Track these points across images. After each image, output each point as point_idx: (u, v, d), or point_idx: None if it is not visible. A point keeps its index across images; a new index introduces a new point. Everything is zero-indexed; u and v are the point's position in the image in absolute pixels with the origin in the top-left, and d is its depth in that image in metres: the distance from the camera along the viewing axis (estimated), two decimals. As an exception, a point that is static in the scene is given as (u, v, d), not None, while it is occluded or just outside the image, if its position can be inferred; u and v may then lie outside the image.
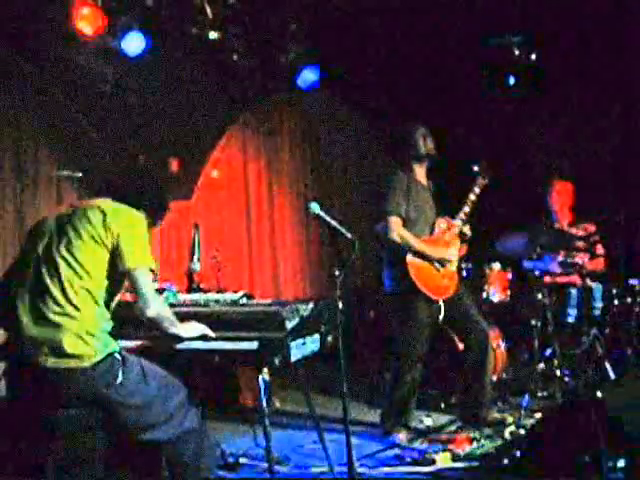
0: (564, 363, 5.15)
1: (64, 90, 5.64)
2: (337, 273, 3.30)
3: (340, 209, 8.04)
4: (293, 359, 3.14)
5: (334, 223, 3.39)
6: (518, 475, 3.64)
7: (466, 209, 4.77)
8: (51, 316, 2.78)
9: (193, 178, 6.80)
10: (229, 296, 3.61)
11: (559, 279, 5.70)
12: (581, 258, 5.67)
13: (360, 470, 3.90)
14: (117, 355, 2.86)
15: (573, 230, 5.77)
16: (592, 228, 5.72)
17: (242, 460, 4.18)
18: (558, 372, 5.08)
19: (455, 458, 4.06)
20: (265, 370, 3.09)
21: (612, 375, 5.35)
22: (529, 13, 6.66)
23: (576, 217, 5.88)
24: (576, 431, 3.38)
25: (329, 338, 3.50)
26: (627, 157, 7.02)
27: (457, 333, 4.98)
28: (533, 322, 5.36)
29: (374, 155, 8.61)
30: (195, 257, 4.28)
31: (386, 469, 4.03)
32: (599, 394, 4.38)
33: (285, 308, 3.22)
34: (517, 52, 6.90)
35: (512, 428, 4.41)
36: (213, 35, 6.09)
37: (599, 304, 5.59)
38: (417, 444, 4.48)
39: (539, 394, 5.23)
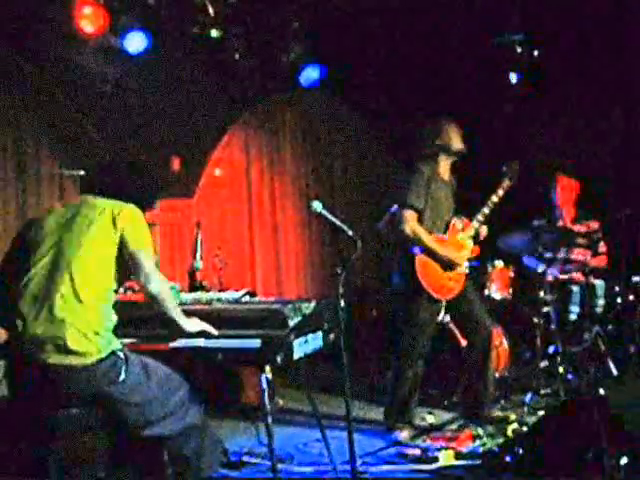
0: (566, 361, 5.15)
1: (64, 90, 5.64)
2: (339, 271, 3.30)
3: (341, 208, 8.05)
4: (296, 357, 3.14)
5: (336, 221, 3.39)
6: (520, 473, 3.64)
7: (486, 210, 4.73)
8: (58, 314, 2.78)
9: (195, 177, 6.80)
10: (231, 294, 3.62)
11: (562, 276, 5.70)
12: (582, 255, 5.68)
13: (362, 468, 3.91)
14: (120, 353, 2.87)
15: (576, 227, 5.76)
16: (595, 225, 5.72)
17: (245, 458, 4.18)
18: (560, 370, 5.08)
19: (457, 456, 4.06)
20: (267, 368, 3.09)
21: (615, 372, 5.36)
22: (529, 13, 6.66)
23: (580, 214, 5.88)
24: (578, 429, 3.38)
25: (331, 336, 3.50)
26: (629, 157, 7.02)
27: (461, 330, 4.97)
28: (535, 320, 5.36)
29: (374, 155, 8.61)
30: (197, 255, 4.29)
31: (388, 467, 4.04)
32: (602, 391, 4.40)
33: (287, 306, 3.22)
34: (519, 50, 6.91)
35: (514, 426, 4.41)
36: (214, 34, 6.09)
37: (601, 301, 5.59)
38: (419, 442, 4.48)
39: (541, 392, 5.22)
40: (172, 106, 6.13)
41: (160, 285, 2.93)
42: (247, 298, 3.59)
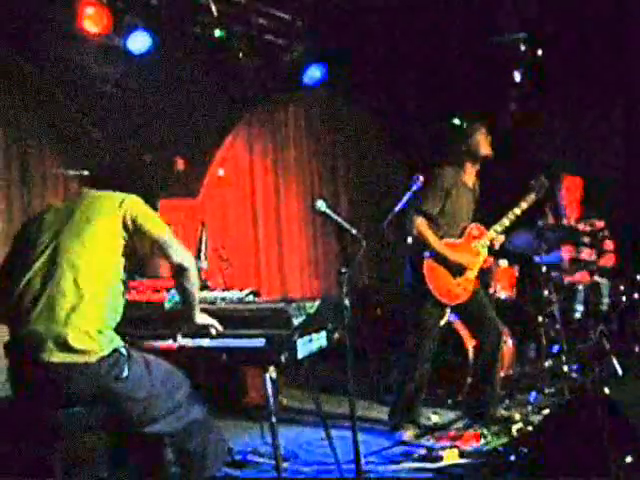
0: (571, 360, 5.14)
1: (64, 90, 5.65)
2: (343, 270, 3.30)
3: (345, 208, 8.06)
4: (300, 356, 3.14)
5: (340, 220, 3.39)
6: (525, 472, 3.64)
7: (505, 221, 4.71)
8: (58, 311, 2.76)
9: (199, 177, 6.80)
10: (236, 294, 3.62)
11: (566, 276, 5.69)
12: (588, 254, 5.67)
13: (367, 467, 3.91)
14: (122, 350, 2.86)
15: (581, 226, 5.75)
16: (600, 224, 5.71)
17: (249, 457, 4.19)
18: (565, 369, 5.07)
19: (462, 455, 4.06)
20: (272, 368, 3.09)
21: (619, 371, 5.35)
22: (530, 13, 6.67)
23: (585, 212, 5.87)
24: (583, 428, 3.37)
25: (335, 335, 3.50)
26: (631, 156, 7.01)
27: (470, 330, 4.95)
28: (540, 319, 5.35)
29: (374, 155, 8.61)
30: (202, 255, 4.29)
31: (393, 466, 4.04)
32: (606, 390, 4.38)
33: (292, 305, 3.21)
34: (523, 48, 6.90)
35: (519, 425, 4.40)
36: (217, 33, 6.09)
37: (606, 300, 5.58)
38: (424, 441, 4.48)
39: (546, 391, 5.21)
40: (173, 106, 6.13)
41: (192, 260, 3.02)
42: (251, 297, 3.59)
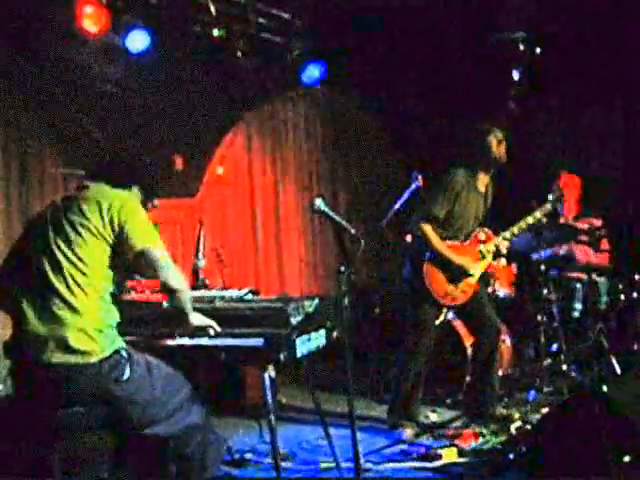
0: (570, 358, 5.15)
1: (64, 90, 5.64)
2: (342, 269, 3.30)
3: (345, 208, 8.06)
4: (298, 355, 3.14)
5: (338, 219, 3.39)
6: (524, 471, 3.64)
7: (515, 229, 4.68)
8: (56, 312, 2.77)
9: (198, 175, 6.80)
10: (234, 292, 3.61)
11: (565, 273, 5.70)
12: (583, 252, 5.67)
13: (366, 466, 3.91)
14: (123, 352, 2.86)
15: (578, 224, 5.76)
16: (598, 222, 5.71)
17: (248, 456, 4.19)
18: (564, 367, 5.08)
19: (461, 453, 4.06)
20: (270, 366, 3.09)
21: (618, 370, 5.35)
22: (529, 12, 6.67)
23: (582, 210, 5.87)
24: (582, 427, 3.38)
25: (334, 334, 3.50)
26: (630, 155, 7.02)
27: (468, 327, 4.94)
28: (539, 317, 5.35)
29: (374, 155, 8.61)
30: (200, 254, 4.29)
31: (392, 464, 4.04)
32: (605, 389, 4.38)
33: (290, 304, 3.21)
34: (522, 47, 6.90)
35: (518, 424, 4.41)
36: (216, 33, 6.08)
37: (605, 299, 5.58)
38: (423, 440, 4.48)
39: (545, 389, 5.22)
40: (173, 106, 6.12)
41: (180, 279, 2.92)
42: (250, 296, 3.59)
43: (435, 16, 6.76)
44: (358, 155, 8.54)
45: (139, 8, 5.70)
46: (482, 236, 4.67)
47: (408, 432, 4.54)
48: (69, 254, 2.83)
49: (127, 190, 3.10)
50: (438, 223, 4.52)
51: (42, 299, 2.81)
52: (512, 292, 5.71)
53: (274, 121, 7.69)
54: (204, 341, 3.15)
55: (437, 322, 4.70)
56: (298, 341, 3.14)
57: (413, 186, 5.19)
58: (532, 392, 4.99)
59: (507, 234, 4.67)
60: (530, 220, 4.72)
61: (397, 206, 5.35)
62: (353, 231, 3.37)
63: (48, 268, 2.83)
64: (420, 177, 5.20)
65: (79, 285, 2.81)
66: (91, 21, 5.40)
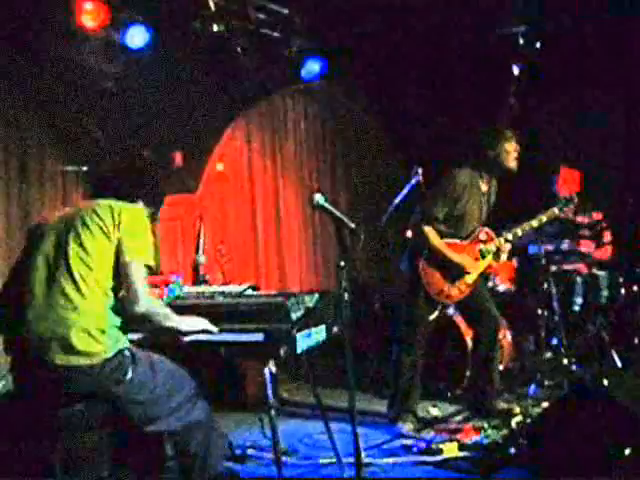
0: (571, 352, 5.15)
1: (64, 89, 5.63)
2: (342, 264, 3.30)
3: (345, 208, 8.06)
4: (299, 350, 3.15)
5: (338, 214, 3.39)
6: (525, 465, 3.65)
7: (519, 231, 4.62)
8: (61, 313, 2.78)
9: (198, 171, 6.80)
10: (234, 288, 3.62)
11: (565, 266, 5.70)
12: (587, 246, 5.67)
13: (367, 460, 3.92)
14: (126, 352, 2.87)
15: (579, 218, 5.76)
16: (599, 216, 5.71)
17: (250, 452, 4.20)
18: (565, 361, 5.08)
19: (462, 448, 4.06)
20: (271, 362, 3.09)
21: (619, 363, 5.35)
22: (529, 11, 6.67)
23: (583, 205, 5.87)
24: (583, 420, 3.38)
25: (334, 329, 3.50)
26: (630, 150, 7.02)
27: (468, 321, 4.95)
28: (539, 311, 5.35)
29: (374, 155, 8.60)
30: (200, 250, 4.30)
31: (393, 459, 4.04)
32: (605, 383, 4.39)
33: (290, 299, 3.22)
34: (522, 42, 6.89)
35: (519, 418, 4.40)
36: (216, 28, 6.08)
37: (605, 292, 5.59)
38: (424, 434, 4.49)
39: (546, 383, 5.22)
40: (173, 105, 6.12)
41: (148, 305, 2.84)
42: (250, 292, 3.60)
43: (436, 14, 6.74)
44: (358, 155, 8.55)
45: (138, 4, 5.69)
46: (483, 236, 4.64)
47: (408, 426, 4.54)
48: (79, 251, 2.85)
49: (134, 204, 3.10)
50: (438, 221, 4.52)
51: (44, 300, 2.82)
52: (512, 286, 5.71)
53: (274, 118, 7.69)
54: (205, 337, 3.15)
55: (431, 317, 4.69)
56: (298, 336, 3.15)
57: (413, 180, 5.18)
58: (533, 386, 5.00)
59: (509, 236, 4.62)
60: (535, 224, 4.66)
61: (397, 201, 5.34)
62: (352, 225, 3.37)
63: (57, 269, 2.85)
64: (421, 171, 5.19)
65: (84, 279, 2.82)
66: (90, 17, 5.40)
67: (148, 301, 2.85)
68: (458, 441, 4.15)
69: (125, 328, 2.94)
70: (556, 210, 4.73)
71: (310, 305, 3.30)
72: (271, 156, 7.66)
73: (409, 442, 4.30)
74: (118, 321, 2.91)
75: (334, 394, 5.15)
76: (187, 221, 6.50)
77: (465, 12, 6.71)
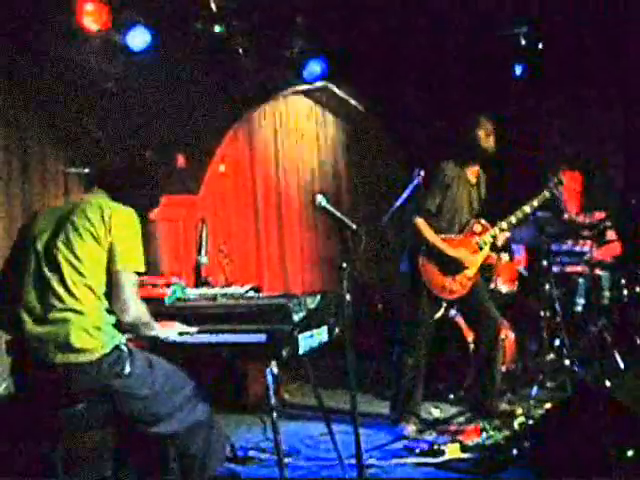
0: (573, 353, 5.14)
1: (65, 89, 5.63)
2: (344, 265, 3.30)
3: (346, 208, 8.06)
4: (301, 352, 3.14)
5: (340, 215, 3.39)
6: (527, 466, 3.64)
7: (513, 219, 4.65)
8: (55, 313, 2.78)
9: (200, 173, 6.80)
10: (236, 289, 3.62)
11: (568, 268, 5.69)
12: (588, 247, 5.66)
13: (369, 462, 3.91)
14: (123, 347, 2.87)
15: (581, 218, 5.75)
16: (601, 215, 5.70)
17: (251, 453, 4.20)
18: (567, 362, 5.07)
19: (464, 449, 4.06)
20: (273, 363, 3.09)
21: (621, 364, 5.35)
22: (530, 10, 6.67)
23: (586, 205, 5.87)
24: (585, 422, 3.38)
25: (336, 330, 3.50)
26: (630, 149, 7.02)
27: (469, 323, 4.94)
28: (541, 312, 5.34)
29: (374, 155, 8.60)
30: (203, 251, 4.30)
31: (395, 460, 4.04)
32: (608, 384, 4.38)
33: (292, 301, 3.22)
34: (524, 42, 6.89)
35: (521, 419, 4.41)
36: (217, 29, 6.08)
37: (607, 293, 5.58)
38: (426, 435, 4.48)
39: (548, 385, 5.21)
40: (173, 105, 6.12)
41: (135, 315, 2.86)
42: (252, 293, 3.59)
43: (437, 13, 6.74)
44: (358, 155, 8.55)
45: (140, 5, 5.69)
46: (478, 228, 4.66)
47: (411, 428, 4.54)
48: (69, 256, 2.84)
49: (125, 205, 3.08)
50: (431, 216, 4.53)
51: (41, 301, 2.82)
52: (514, 287, 5.70)
53: (275, 119, 7.69)
54: (206, 337, 3.15)
55: (436, 316, 4.69)
56: (300, 337, 3.14)
57: (415, 182, 5.18)
58: (535, 387, 4.98)
59: (504, 224, 4.66)
60: (527, 209, 4.69)
61: (398, 203, 5.34)
62: (354, 227, 3.37)
63: (47, 270, 2.84)
64: (422, 173, 5.19)
65: (78, 286, 2.82)
66: (92, 18, 5.40)
67: (136, 311, 2.87)
68: (460, 442, 4.15)
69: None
70: (547, 193, 4.74)
71: (312, 307, 3.30)
72: (273, 157, 7.66)
73: (411, 443, 4.29)
74: (113, 319, 2.90)
75: (336, 395, 5.15)
76: (189, 222, 6.50)
77: (464, 13, 6.72)
